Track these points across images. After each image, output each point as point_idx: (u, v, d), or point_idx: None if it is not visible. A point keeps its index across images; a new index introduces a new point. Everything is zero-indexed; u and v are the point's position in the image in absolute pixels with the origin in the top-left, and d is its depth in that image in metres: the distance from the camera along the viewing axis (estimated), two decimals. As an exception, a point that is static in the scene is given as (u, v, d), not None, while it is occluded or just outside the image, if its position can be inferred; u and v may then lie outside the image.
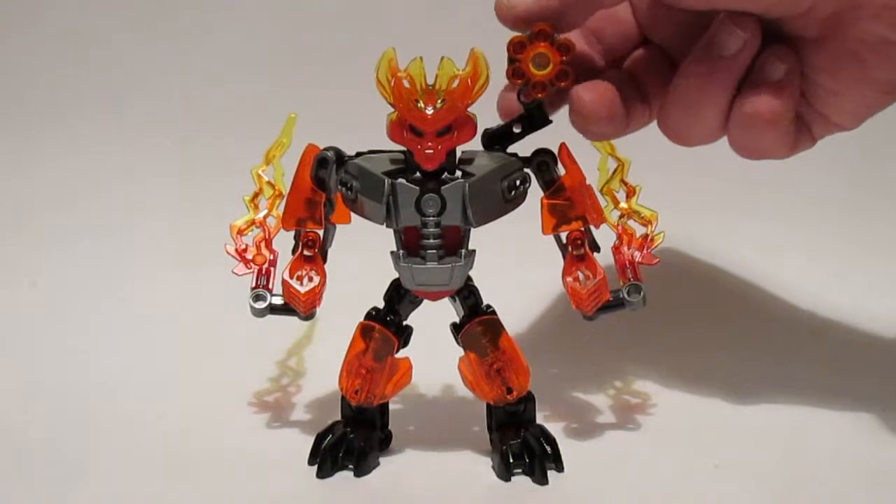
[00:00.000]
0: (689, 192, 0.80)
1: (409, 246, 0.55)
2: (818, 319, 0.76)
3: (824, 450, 0.59)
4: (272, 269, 0.59)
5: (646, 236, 0.59)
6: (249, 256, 0.59)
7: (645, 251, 0.59)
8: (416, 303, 0.58)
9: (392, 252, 0.56)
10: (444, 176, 0.55)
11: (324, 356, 0.65)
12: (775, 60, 0.56)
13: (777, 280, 0.81)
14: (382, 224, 0.55)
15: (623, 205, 0.59)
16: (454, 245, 0.55)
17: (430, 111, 0.53)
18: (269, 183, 0.60)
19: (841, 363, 0.70)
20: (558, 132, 0.57)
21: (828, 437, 0.60)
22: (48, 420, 0.63)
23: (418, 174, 0.55)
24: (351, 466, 0.57)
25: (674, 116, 0.57)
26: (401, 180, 0.54)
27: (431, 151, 0.53)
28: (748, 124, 0.56)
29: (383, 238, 0.57)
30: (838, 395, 0.64)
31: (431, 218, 0.54)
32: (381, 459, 0.58)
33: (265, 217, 0.60)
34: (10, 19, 0.97)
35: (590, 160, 0.58)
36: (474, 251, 0.56)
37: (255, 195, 0.60)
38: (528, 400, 0.58)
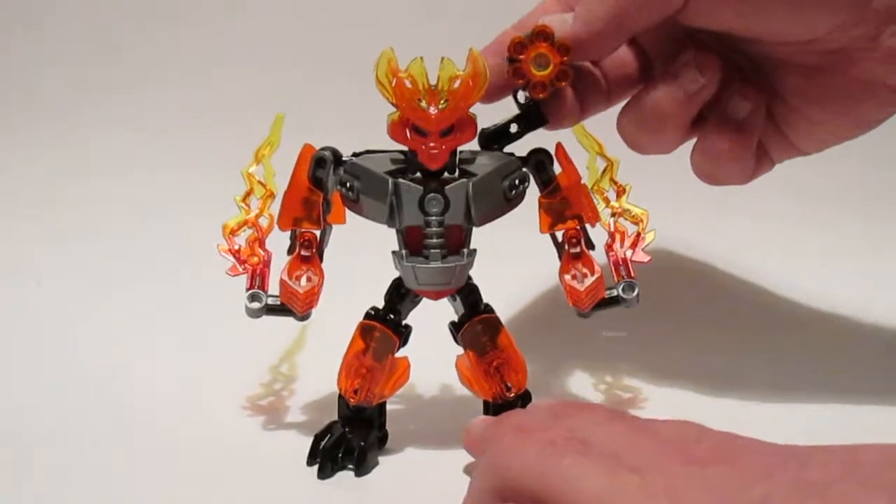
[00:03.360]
0: (679, 190, 0.80)
1: (412, 245, 0.55)
2: (812, 315, 0.77)
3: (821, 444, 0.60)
4: (266, 269, 0.59)
5: (637, 234, 0.60)
6: (243, 257, 0.59)
7: (637, 249, 0.59)
8: (416, 302, 0.58)
9: (394, 252, 0.56)
10: (445, 176, 0.55)
11: (319, 358, 0.65)
12: (740, 100, 0.57)
13: (770, 275, 0.82)
14: (384, 224, 0.55)
15: (614, 204, 0.60)
16: (456, 244, 0.55)
17: (433, 111, 0.53)
18: (259, 182, 0.60)
19: (837, 359, 0.71)
20: (554, 133, 0.58)
21: (825, 432, 0.61)
22: (46, 421, 0.62)
23: (419, 174, 0.55)
24: (351, 467, 0.57)
25: (631, 131, 0.58)
26: (404, 180, 0.54)
27: (436, 151, 0.53)
28: (710, 158, 0.58)
29: (375, 240, 0.58)
30: (833, 390, 0.65)
31: (435, 217, 0.54)
32: (381, 459, 0.58)
33: (257, 217, 0.60)
34: (9, 17, 0.95)
35: (579, 159, 0.59)
36: (475, 250, 0.56)
37: (247, 195, 0.60)
38: (524, 396, 0.59)
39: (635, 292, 0.58)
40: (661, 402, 0.65)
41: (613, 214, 0.60)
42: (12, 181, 0.93)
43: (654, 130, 0.57)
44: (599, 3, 0.54)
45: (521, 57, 0.54)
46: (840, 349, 0.72)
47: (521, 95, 0.57)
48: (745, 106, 0.57)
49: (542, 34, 0.54)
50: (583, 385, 0.67)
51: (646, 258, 0.59)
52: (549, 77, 0.55)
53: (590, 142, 0.60)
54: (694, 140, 0.60)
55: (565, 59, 0.54)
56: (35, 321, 0.76)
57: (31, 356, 0.71)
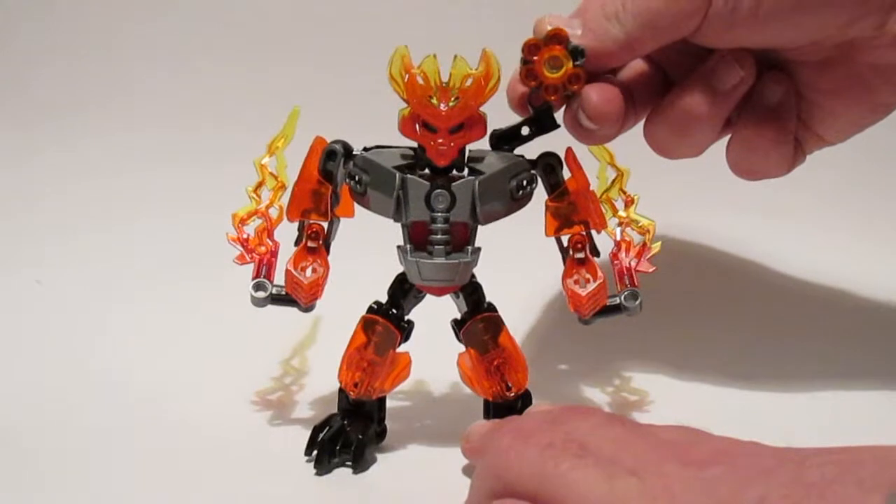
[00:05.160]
0: (688, 194, 0.81)
1: (417, 240, 0.56)
2: (822, 316, 0.77)
3: (828, 442, 0.60)
4: (273, 259, 0.59)
5: (643, 245, 0.60)
6: (251, 246, 0.59)
7: (642, 259, 0.60)
8: (419, 298, 0.58)
9: (399, 246, 0.56)
10: (453, 172, 0.55)
11: (325, 354, 0.65)
12: (774, 85, 0.57)
13: (774, 278, 0.82)
14: (391, 218, 0.55)
15: (622, 213, 0.60)
16: (461, 241, 0.56)
17: (443, 108, 0.53)
18: (272, 174, 0.60)
19: (841, 359, 0.71)
20: (565, 137, 0.57)
21: (833, 432, 0.60)
22: (49, 418, 0.62)
23: (428, 170, 0.55)
24: (349, 462, 0.57)
25: (662, 136, 0.58)
26: (412, 175, 0.55)
27: (445, 148, 0.54)
28: (750, 149, 0.58)
29: (383, 236, 0.58)
30: (839, 391, 0.65)
31: (440, 214, 0.55)
32: (380, 456, 0.58)
33: (267, 207, 0.60)
34: (8, 17, 0.96)
35: (589, 168, 0.59)
36: (480, 248, 0.56)
37: (258, 185, 0.60)
38: (525, 396, 0.59)
39: (638, 301, 0.58)
40: (666, 402, 0.65)
41: (620, 224, 0.60)
42: (12, 181, 0.93)
43: (688, 132, 0.57)
44: (615, 24, 0.54)
45: (535, 59, 0.55)
46: (849, 349, 0.72)
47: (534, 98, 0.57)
48: (779, 90, 0.57)
49: (556, 37, 0.54)
50: (584, 386, 0.67)
51: (651, 268, 0.59)
52: (561, 79, 0.55)
53: (601, 151, 0.60)
54: (722, 141, 0.60)
55: (578, 62, 0.55)
56: (36, 320, 0.76)
57: (33, 355, 0.71)
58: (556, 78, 0.55)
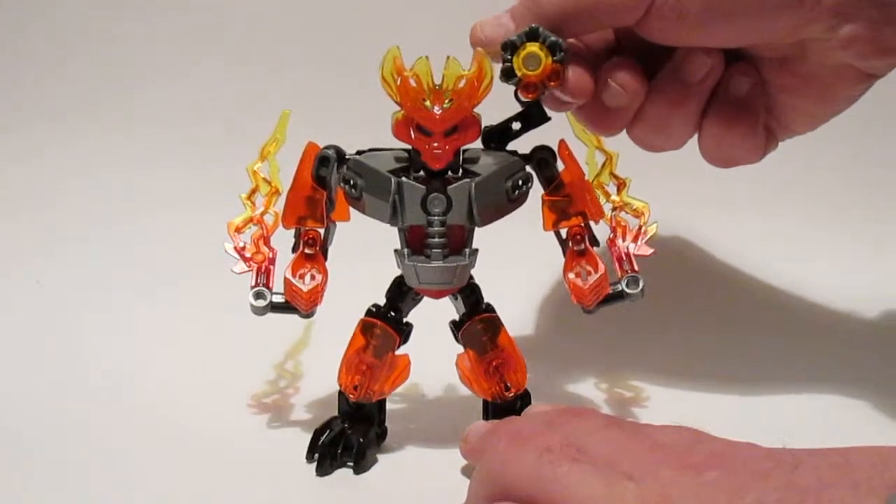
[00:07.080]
0: (679, 183, 0.81)
1: (414, 244, 0.56)
2: (814, 310, 0.77)
3: (823, 442, 0.60)
4: (271, 266, 0.59)
5: (639, 228, 0.60)
6: (248, 255, 0.59)
7: (639, 243, 0.59)
8: (417, 300, 0.59)
9: (396, 250, 0.56)
10: (448, 175, 0.55)
11: (322, 357, 0.65)
12: (739, 76, 0.58)
13: (771, 270, 0.82)
14: (387, 222, 0.55)
15: (615, 198, 0.60)
16: (458, 244, 0.56)
17: (437, 111, 0.53)
18: (265, 180, 0.60)
19: (839, 353, 0.71)
20: (557, 129, 0.58)
21: (827, 428, 0.61)
22: (47, 420, 0.62)
23: (422, 173, 0.55)
24: (350, 464, 0.57)
25: (641, 132, 0.58)
26: (407, 179, 0.55)
27: (440, 151, 0.54)
28: (720, 140, 0.58)
29: (380, 238, 0.58)
30: (836, 385, 0.65)
31: (437, 217, 0.55)
32: (380, 456, 0.58)
33: (262, 214, 0.60)
34: (6, 16, 0.95)
35: (580, 156, 0.59)
36: (477, 250, 0.56)
37: (252, 192, 0.60)
38: (524, 396, 0.59)
39: (640, 286, 0.58)
40: (664, 401, 0.65)
41: (614, 208, 0.60)
42: (12, 181, 0.93)
43: (664, 127, 0.58)
44: (538, 10, 0.54)
45: (513, 58, 0.54)
46: (847, 349, 0.72)
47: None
48: (746, 81, 0.58)
49: (532, 34, 0.54)
50: (584, 385, 0.67)
51: (648, 251, 0.59)
52: (539, 77, 0.54)
53: (588, 136, 0.60)
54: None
55: (556, 58, 0.54)
56: (35, 321, 0.77)
57: (32, 356, 0.71)
58: (534, 75, 0.54)
